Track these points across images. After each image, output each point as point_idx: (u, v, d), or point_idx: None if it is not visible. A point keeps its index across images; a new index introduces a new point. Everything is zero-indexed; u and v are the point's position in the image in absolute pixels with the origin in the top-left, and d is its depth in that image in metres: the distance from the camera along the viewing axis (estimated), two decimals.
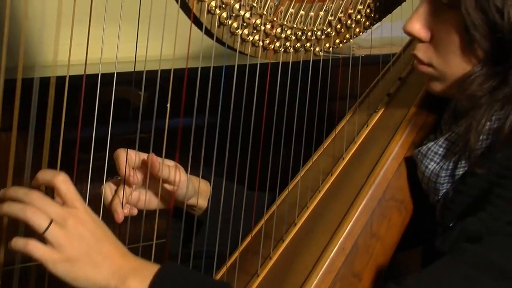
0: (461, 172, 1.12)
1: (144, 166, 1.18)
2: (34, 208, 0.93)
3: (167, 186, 1.19)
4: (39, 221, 0.92)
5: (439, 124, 1.24)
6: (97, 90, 1.03)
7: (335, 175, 1.31)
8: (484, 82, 1.05)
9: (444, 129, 1.19)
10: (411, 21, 1.13)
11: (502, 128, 1.05)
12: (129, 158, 1.16)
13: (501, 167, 1.04)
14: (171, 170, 1.18)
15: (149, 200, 1.21)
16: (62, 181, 0.96)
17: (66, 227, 0.94)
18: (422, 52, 1.14)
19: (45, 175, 0.97)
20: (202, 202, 1.29)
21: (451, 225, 1.09)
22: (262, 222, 1.28)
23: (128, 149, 1.16)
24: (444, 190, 1.15)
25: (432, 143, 1.17)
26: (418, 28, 1.12)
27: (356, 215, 1.19)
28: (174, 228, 1.28)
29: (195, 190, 1.26)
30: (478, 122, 1.06)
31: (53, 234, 0.93)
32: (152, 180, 1.19)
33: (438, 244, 1.08)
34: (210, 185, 1.30)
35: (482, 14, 1.01)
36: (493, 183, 1.04)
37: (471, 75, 1.06)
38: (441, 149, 1.16)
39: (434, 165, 1.16)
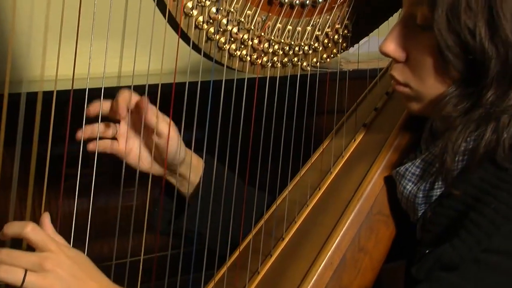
0: (438, 193, 1.12)
1: (138, 112, 1.18)
2: (5, 266, 0.92)
3: (156, 138, 1.18)
4: (13, 277, 0.91)
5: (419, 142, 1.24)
6: (84, 105, 1.03)
7: (323, 190, 1.31)
8: (459, 103, 1.05)
9: (423, 148, 1.18)
10: (387, 42, 1.13)
11: (477, 149, 1.05)
12: (129, 98, 1.16)
13: (476, 189, 1.04)
14: (159, 119, 1.17)
15: (142, 156, 1.21)
16: (31, 231, 0.94)
17: (43, 272, 0.93)
18: (398, 72, 1.14)
19: (12, 228, 0.95)
20: (194, 177, 1.29)
21: (427, 251, 1.08)
22: (250, 236, 1.28)
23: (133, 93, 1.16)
24: (423, 211, 1.15)
25: (409, 163, 1.17)
26: (394, 48, 1.12)
27: (344, 229, 1.19)
28: (164, 207, 1.27)
29: (187, 161, 1.25)
30: (453, 143, 1.06)
31: (31, 283, 0.92)
32: (145, 136, 1.19)
33: (413, 271, 1.07)
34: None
35: (454, 35, 1.01)
36: (468, 206, 1.04)
37: (446, 96, 1.06)
38: (418, 170, 1.16)
39: (412, 185, 1.16)
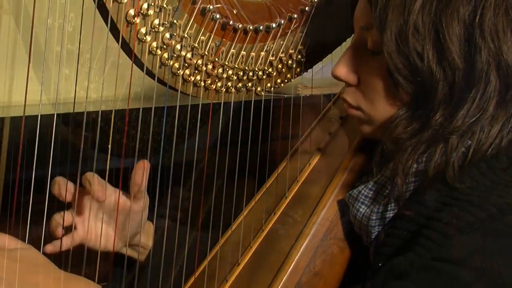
0: (391, 215, 1.13)
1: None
2: None
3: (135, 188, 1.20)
4: None
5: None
6: (37, 132, 1.02)
7: (278, 214, 1.31)
8: (408, 125, 1.06)
9: (375, 171, 1.19)
10: (339, 66, 1.15)
11: (427, 170, 1.06)
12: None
13: (429, 209, 1.05)
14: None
15: (103, 234, 1.21)
16: None
17: None
18: (350, 95, 1.16)
19: None
20: (148, 240, 1.30)
21: (380, 264, 1.08)
22: (205, 262, 1.27)
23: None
24: (376, 233, 1.15)
25: (362, 186, 1.18)
26: (346, 72, 1.14)
27: (299, 254, 1.19)
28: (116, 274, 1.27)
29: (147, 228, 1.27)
30: (403, 165, 1.07)
31: None
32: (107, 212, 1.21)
33: (368, 286, 1.08)
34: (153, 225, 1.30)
35: (403, 58, 1.03)
36: (421, 226, 1.04)
37: (396, 118, 1.07)
38: (371, 192, 1.16)
39: (365, 208, 1.16)
